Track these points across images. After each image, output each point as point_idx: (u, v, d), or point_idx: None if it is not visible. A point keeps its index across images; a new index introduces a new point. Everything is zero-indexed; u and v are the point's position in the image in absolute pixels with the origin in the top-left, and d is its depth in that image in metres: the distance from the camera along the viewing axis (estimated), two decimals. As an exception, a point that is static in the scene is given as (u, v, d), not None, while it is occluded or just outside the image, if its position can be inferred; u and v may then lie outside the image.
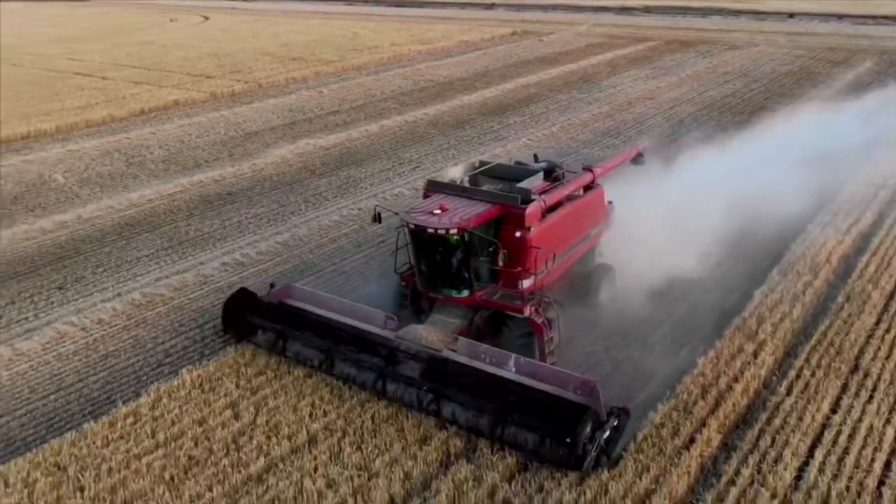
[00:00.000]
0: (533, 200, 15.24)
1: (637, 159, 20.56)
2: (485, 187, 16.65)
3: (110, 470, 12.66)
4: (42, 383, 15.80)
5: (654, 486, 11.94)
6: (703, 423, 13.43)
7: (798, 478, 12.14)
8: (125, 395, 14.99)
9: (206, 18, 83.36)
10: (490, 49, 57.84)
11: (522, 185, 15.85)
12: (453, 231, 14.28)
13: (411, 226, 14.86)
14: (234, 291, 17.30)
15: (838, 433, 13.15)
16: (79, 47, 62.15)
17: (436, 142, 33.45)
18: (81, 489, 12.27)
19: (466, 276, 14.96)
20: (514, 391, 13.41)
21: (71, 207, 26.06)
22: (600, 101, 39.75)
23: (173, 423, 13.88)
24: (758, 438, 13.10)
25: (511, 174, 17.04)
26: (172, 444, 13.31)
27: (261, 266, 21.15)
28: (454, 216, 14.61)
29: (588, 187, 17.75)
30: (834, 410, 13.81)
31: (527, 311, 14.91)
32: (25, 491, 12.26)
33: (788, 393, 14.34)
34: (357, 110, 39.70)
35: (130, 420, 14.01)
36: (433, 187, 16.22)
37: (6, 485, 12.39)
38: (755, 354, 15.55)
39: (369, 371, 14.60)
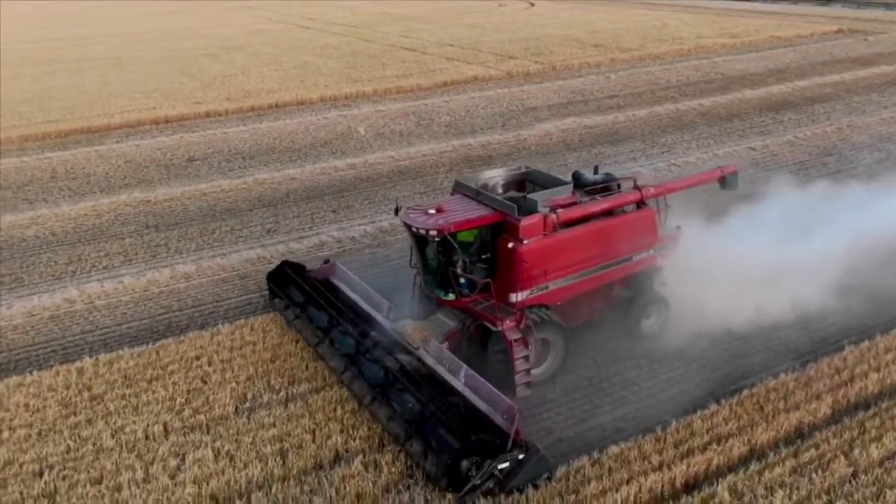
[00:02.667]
0: (535, 212, 14.53)
1: (724, 182, 18.26)
2: (509, 194, 16.24)
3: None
4: (299, 273, 20.81)
5: (736, 432, 13.15)
6: (818, 397, 14.09)
7: (888, 458, 12.51)
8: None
9: (532, 5, 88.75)
10: (802, 46, 55.08)
11: (535, 195, 15.19)
12: (433, 233, 14.18)
13: (404, 222, 15.07)
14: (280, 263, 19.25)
15: (958, 434, 13.06)
16: (413, 26, 70.68)
17: (697, 131, 34.15)
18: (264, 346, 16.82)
19: (451, 278, 14.69)
20: (434, 401, 13.14)
21: (362, 154, 31.75)
22: (898, 107, 37.00)
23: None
24: (867, 420, 13.47)
25: (545, 183, 16.28)
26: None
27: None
28: (441, 218, 14.45)
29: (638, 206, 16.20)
30: (971, 417, 13.57)
31: (500, 326, 14.38)
32: (233, 337, 17.15)
33: (929, 392, 14.28)
34: (635, 96, 41.28)
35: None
36: (457, 188, 16.27)
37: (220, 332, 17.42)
38: (914, 354, 15.44)
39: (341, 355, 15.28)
